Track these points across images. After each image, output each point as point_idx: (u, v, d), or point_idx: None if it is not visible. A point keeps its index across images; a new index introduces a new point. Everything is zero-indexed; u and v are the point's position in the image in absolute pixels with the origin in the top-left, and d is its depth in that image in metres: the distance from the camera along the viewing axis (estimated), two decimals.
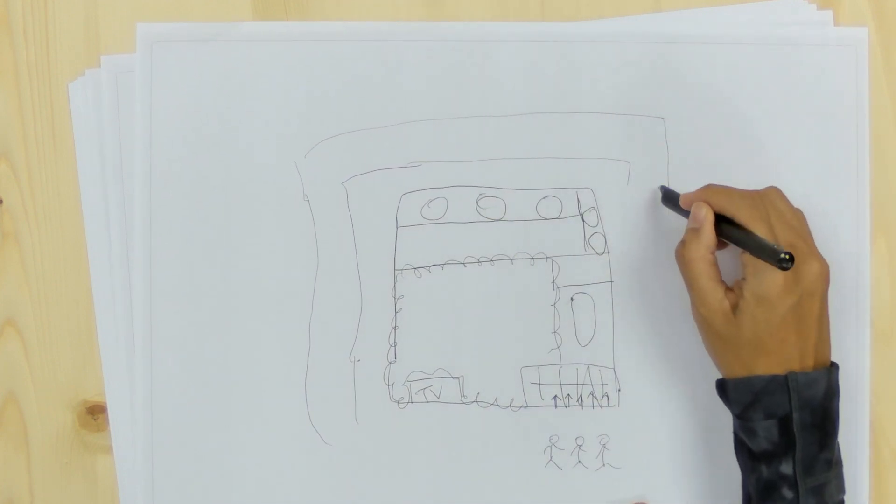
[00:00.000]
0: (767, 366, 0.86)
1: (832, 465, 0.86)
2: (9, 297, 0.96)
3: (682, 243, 0.89)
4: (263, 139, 0.95)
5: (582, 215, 0.96)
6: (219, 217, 0.95)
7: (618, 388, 0.96)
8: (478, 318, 0.96)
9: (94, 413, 0.96)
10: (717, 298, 0.87)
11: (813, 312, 0.86)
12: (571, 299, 0.96)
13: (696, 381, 0.96)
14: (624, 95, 0.95)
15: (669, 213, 0.94)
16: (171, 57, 0.94)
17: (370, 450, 0.96)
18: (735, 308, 0.86)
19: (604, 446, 0.96)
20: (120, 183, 0.95)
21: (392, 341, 0.95)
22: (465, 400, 0.96)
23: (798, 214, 0.90)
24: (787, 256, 0.82)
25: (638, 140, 0.95)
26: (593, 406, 0.96)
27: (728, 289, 0.87)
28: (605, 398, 0.96)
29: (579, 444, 0.96)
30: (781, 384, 0.85)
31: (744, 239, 0.86)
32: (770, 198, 0.89)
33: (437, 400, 0.96)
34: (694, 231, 0.88)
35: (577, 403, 0.96)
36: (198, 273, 0.95)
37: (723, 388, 0.88)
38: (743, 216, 0.87)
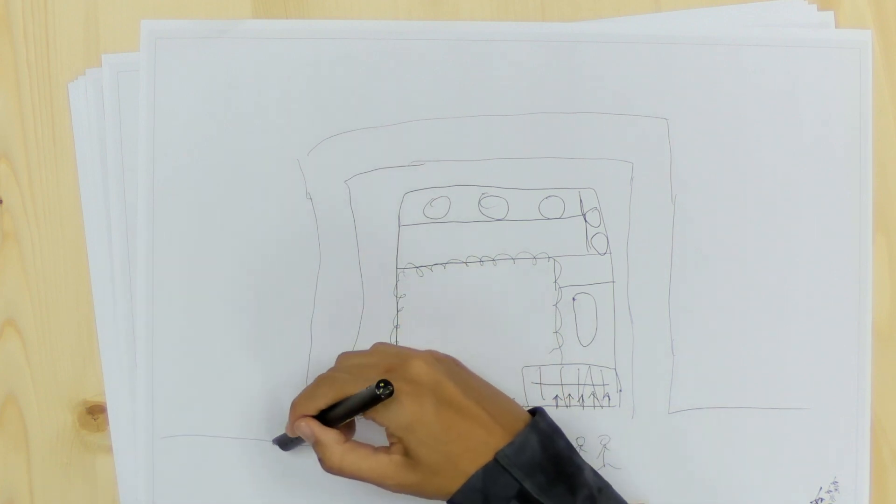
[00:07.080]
0: (472, 461, 0.83)
1: (595, 499, 0.84)
2: (9, 297, 0.96)
3: (320, 461, 0.87)
4: (266, 137, 0.95)
5: (584, 215, 0.96)
6: (221, 214, 0.95)
7: (619, 388, 0.96)
8: (479, 318, 0.96)
9: (94, 413, 0.96)
10: (385, 464, 0.85)
11: (457, 396, 0.84)
12: (573, 299, 0.96)
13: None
14: (626, 96, 0.95)
15: (673, 213, 0.95)
16: (174, 53, 0.94)
17: None
18: (406, 453, 0.85)
19: (604, 447, 0.96)
20: (120, 181, 0.95)
21: (393, 340, 0.95)
22: None
23: (375, 348, 0.90)
24: (382, 384, 0.82)
25: (640, 140, 0.95)
26: (594, 406, 0.96)
27: (386, 447, 0.86)
28: (607, 398, 0.96)
29: (580, 444, 0.96)
30: (496, 468, 0.83)
31: (345, 410, 0.85)
32: (340, 363, 0.89)
33: None
34: (317, 444, 0.87)
35: (578, 403, 0.96)
36: (199, 271, 0.95)
37: None
38: (328, 397, 0.86)
